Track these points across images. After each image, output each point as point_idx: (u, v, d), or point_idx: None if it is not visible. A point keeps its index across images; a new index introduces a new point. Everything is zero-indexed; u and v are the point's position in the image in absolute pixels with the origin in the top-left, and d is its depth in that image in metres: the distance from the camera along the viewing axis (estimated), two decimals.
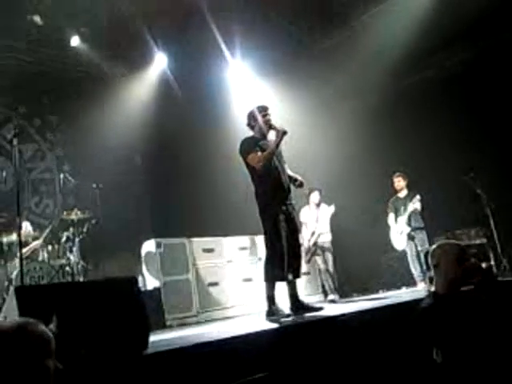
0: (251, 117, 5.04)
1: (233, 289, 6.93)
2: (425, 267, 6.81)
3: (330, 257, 7.32)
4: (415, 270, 7.32)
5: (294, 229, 4.87)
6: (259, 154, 4.77)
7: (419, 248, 7.25)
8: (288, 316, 4.62)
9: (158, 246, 6.47)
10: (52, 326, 2.82)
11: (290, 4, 8.08)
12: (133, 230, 7.92)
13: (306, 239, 7.24)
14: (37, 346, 1.60)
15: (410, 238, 7.40)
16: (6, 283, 5.94)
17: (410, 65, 8.53)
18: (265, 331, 3.82)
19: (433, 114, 8.32)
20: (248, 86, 9.52)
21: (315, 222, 7.39)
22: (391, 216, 7.68)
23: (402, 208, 7.53)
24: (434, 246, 3.22)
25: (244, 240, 7.37)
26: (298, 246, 4.93)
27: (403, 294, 6.47)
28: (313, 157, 9.08)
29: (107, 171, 8.06)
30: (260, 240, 7.40)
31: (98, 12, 7.73)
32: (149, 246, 6.59)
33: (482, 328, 2.88)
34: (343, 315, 4.22)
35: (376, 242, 8.35)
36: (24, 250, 5.97)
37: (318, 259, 7.38)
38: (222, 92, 9.50)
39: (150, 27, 8.19)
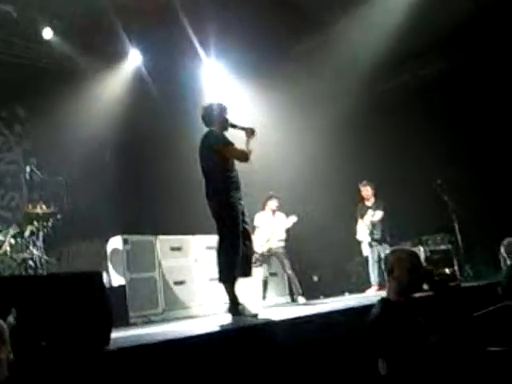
0: (211, 112, 4.91)
1: (199, 288, 6.91)
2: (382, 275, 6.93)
3: (285, 261, 7.29)
4: (372, 275, 7.48)
5: (248, 228, 4.88)
6: (238, 148, 4.64)
7: (382, 255, 7.29)
8: (255, 316, 4.58)
9: (125, 242, 6.41)
10: (11, 317, 2.78)
11: (267, 6, 8.12)
12: (99, 226, 7.81)
13: (257, 244, 7.03)
14: None
15: (371, 246, 7.60)
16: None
17: (384, 71, 8.69)
18: (229, 330, 3.83)
19: (405, 121, 8.50)
20: (222, 86, 9.53)
21: (271, 228, 7.35)
22: (360, 222, 7.80)
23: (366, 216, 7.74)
24: (387, 252, 3.24)
25: (211, 239, 7.33)
26: (251, 246, 4.94)
27: (362, 299, 6.53)
28: (285, 160, 9.14)
29: (76, 166, 7.96)
30: None
31: (71, 4, 7.62)
32: (115, 242, 6.52)
33: (433, 337, 2.82)
34: (297, 319, 4.23)
35: (345, 245, 8.46)
36: None
37: (265, 266, 7.36)
38: (195, 90, 9.47)
39: (124, 23, 8.11)
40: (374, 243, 7.57)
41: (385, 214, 7.69)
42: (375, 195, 7.87)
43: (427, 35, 7.70)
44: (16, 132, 8.92)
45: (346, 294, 7.97)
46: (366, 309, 3.47)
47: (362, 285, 8.00)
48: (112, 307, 3.73)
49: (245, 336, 3.73)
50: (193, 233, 7.25)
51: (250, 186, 8.44)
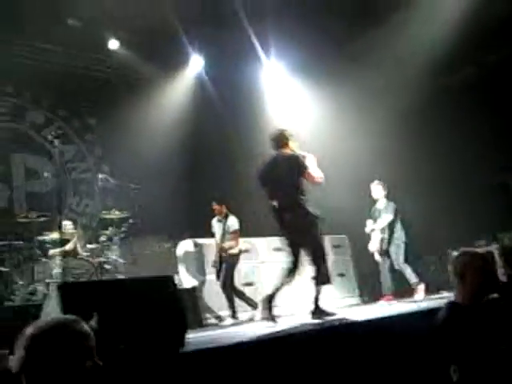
0: (283, 138, 5.21)
1: (268, 290, 6.90)
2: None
3: (228, 273, 6.42)
4: (385, 284, 6.81)
5: None
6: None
7: (395, 265, 6.72)
8: (333, 315, 4.70)
9: (195, 245, 6.54)
10: (93, 322, 2.89)
11: (326, 2, 8.02)
12: (169, 230, 8.02)
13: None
14: (77, 345, 1.61)
15: (381, 254, 6.86)
16: (48, 280, 6.11)
17: (445, 64, 8.34)
18: (305, 333, 3.80)
19: (467, 117, 8.11)
20: (282, 86, 9.53)
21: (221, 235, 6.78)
22: (368, 223, 7.04)
23: (378, 219, 6.92)
24: (455, 255, 3.10)
25: (277, 241, 7.34)
26: None
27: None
28: (344, 156, 8.99)
29: (145, 171, 8.21)
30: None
31: (135, 15, 7.86)
32: (185, 245, 6.67)
33: (506, 342, 2.70)
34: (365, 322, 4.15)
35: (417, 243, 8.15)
36: (66, 248, 6.14)
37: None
38: (256, 92, 9.54)
39: (186, 29, 8.29)
40: (383, 251, 6.78)
41: (397, 218, 6.87)
42: (387, 197, 7.03)
43: (491, 25, 7.32)
44: (88, 140, 9.38)
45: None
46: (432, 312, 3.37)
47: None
48: (186, 310, 3.82)
49: (326, 336, 3.70)
50: (259, 235, 7.28)
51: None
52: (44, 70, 8.44)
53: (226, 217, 6.62)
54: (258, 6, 7.75)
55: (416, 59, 8.19)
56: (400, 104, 8.88)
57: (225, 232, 6.51)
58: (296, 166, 4.99)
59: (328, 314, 4.73)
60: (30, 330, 1.61)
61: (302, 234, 4.95)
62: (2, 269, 6.19)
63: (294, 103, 9.53)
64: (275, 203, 5.06)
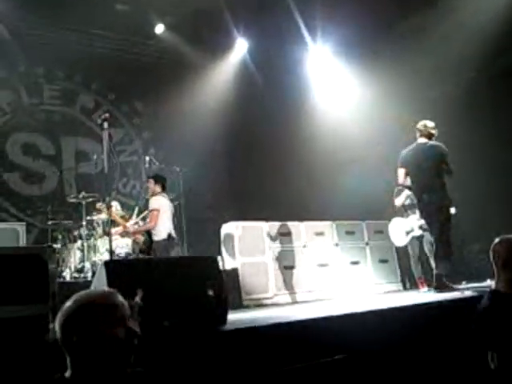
0: (430, 129, 5.95)
1: (308, 273, 6.96)
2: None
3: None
4: (416, 272, 6.45)
5: None
6: None
7: (427, 251, 6.34)
8: (455, 290, 5.22)
9: (237, 228, 6.62)
10: (137, 298, 3.00)
11: None
12: (213, 212, 8.16)
13: None
14: (107, 314, 1.73)
15: (417, 239, 6.46)
16: (95, 258, 6.36)
17: (505, 43, 7.97)
18: (346, 315, 3.82)
19: None
20: (328, 70, 9.43)
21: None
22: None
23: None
24: (496, 242, 3.03)
25: (319, 225, 7.36)
26: None
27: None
28: (391, 142, 8.84)
29: (190, 154, 8.34)
30: (335, 226, 7.38)
31: None
32: (228, 227, 6.76)
33: None
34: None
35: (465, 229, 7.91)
36: (114, 228, 6.34)
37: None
38: (301, 76, 9.48)
39: (231, 12, 8.30)
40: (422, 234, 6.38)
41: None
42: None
43: None
44: (135, 124, 9.64)
45: (464, 282, 7.53)
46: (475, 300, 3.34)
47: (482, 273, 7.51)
48: (228, 289, 3.91)
49: (366, 320, 3.71)
50: (301, 219, 7.30)
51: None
52: (93, 55, 8.68)
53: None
54: None
55: (465, 44, 7.90)
56: (449, 88, 8.62)
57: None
58: (439, 154, 5.65)
59: (452, 289, 5.24)
60: (66, 303, 1.75)
61: (435, 213, 5.55)
62: (54, 245, 6.48)
63: (339, 87, 9.42)
64: (415, 184, 5.77)
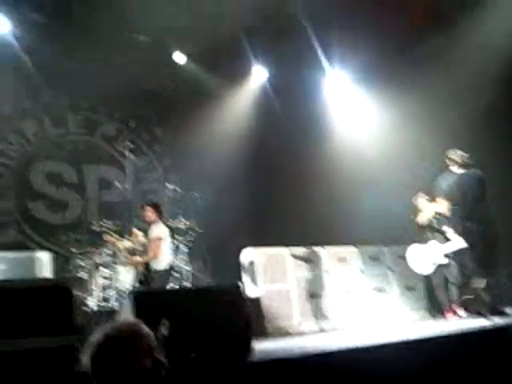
0: (464, 159, 6.21)
1: (333, 301, 6.86)
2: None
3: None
4: (443, 300, 6.41)
5: None
6: None
7: (451, 279, 6.31)
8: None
9: (258, 254, 6.58)
10: (162, 328, 2.98)
11: (391, 5, 7.87)
12: (234, 238, 8.14)
13: None
14: (134, 345, 1.73)
15: (443, 267, 6.39)
16: (119, 287, 6.36)
17: None
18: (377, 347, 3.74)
19: None
20: (346, 95, 9.47)
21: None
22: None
23: (441, 227, 6.45)
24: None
25: (344, 251, 7.28)
26: None
27: None
28: (409, 165, 8.77)
29: (211, 181, 8.40)
30: (359, 251, 7.29)
31: (199, 29, 8.09)
32: (249, 254, 6.72)
33: None
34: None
35: None
36: (136, 256, 6.36)
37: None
38: (319, 101, 9.54)
39: (249, 40, 8.42)
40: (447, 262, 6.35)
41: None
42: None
43: None
44: (156, 152, 9.77)
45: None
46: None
47: None
48: (251, 318, 3.87)
49: (389, 351, 3.63)
50: (323, 243, 7.24)
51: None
52: (116, 85, 8.83)
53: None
54: (321, 15, 7.75)
55: (484, 65, 7.85)
56: (467, 110, 8.55)
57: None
58: (481, 181, 5.98)
59: (504, 314, 5.41)
60: (94, 335, 1.77)
61: (480, 240, 5.74)
62: (78, 275, 6.52)
63: (358, 111, 9.44)
64: (459, 213, 5.98)
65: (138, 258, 6.38)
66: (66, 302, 3.06)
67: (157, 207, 6.49)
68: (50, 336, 2.91)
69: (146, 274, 6.25)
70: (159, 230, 6.34)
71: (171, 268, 6.40)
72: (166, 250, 6.33)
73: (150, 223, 6.40)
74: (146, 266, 6.29)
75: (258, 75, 9.49)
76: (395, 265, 7.48)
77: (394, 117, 8.63)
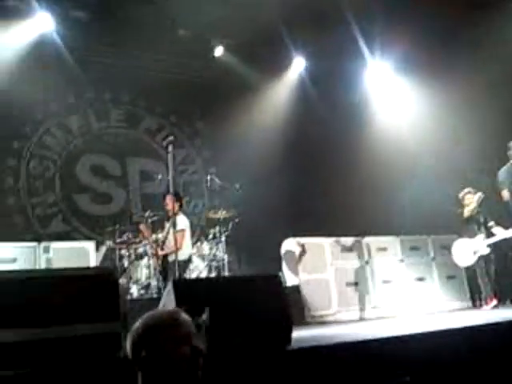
0: None
1: (372, 290, 6.84)
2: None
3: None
4: (486, 289, 6.48)
5: None
6: None
7: (493, 269, 6.44)
8: None
9: (298, 244, 6.63)
10: (204, 317, 3.06)
11: None
12: (273, 228, 8.20)
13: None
14: (172, 332, 1.79)
15: (484, 257, 6.50)
16: (159, 277, 6.52)
17: None
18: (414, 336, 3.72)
19: None
20: (387, 85, 9.34)
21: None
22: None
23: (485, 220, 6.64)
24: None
25: (384, 241, 7.24)
26: None
27: None
28: (456, 156, 8.59)
29: (250, 171, 8.47)
30: (400, 241, 7.22)
31: (238, 21, 8.12)
32: (289, 244, 6.79)
33: None
34: None
35: None
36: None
37: None
38: (359, 92, 9.46)
39: (289, 31, 8.40)
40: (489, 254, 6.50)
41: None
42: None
43: None
44: (196, 144, 9.94)
45: None
46: None
47: None
48: (291, 307, 3.91)
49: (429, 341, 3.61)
50: (364, 233, 7.21)
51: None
52: (156, 79, 9.03)
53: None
54: (362, 4, 7.65)
55: None
56: (508, 100, 8.28)
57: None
58: None
59: None
60: (136, 323, 1.83)
61: None
62: (121, 264, 6.73)
63: (398, 101, 9.30)
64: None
65: (162, 251, 6.41)
66: (112, 289, 3.19)
67: (179, 197, 6.40)
68: (98, 322, 3.04)
69: (166, 266, 6.27)
70: (183, 222, 6.36)
71: (190, 259, 6.46)
72: (187, 242, 6.40)
73: (171, 213, 6.21)
74: (164, 257, 6.32)
75: (298, 66, 9.48)
76: (437, 254, 7.39)
77: (434, 106, 8.47)
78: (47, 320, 2.89)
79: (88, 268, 5.24)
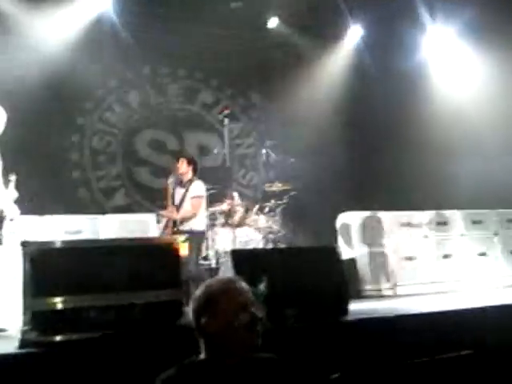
0: None
1: (430, 265, 6.71)
2: None
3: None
4: None
5: None
6: None
7: None
8: None
9: (354, 217, 6.57)
10: (262, 286, 3.12)
11: None
12: (329, 201, 8.17)
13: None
14: (230, 300, 1.83)
15: None
16: (217, 247, 6.67)
17: None
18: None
19: None
20: (448, 52, 8.94)
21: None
22: None
23: None
24: None
25: (444, 214, 7.04)
26: None
27: None
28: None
29: (306, 144, 8.43)
30: (461, 215, 7.02)
31: None
32: (345, 217, 6.74)
33: None
34: None
35: None
36: (234, 218, 6.62)
37: None
38: (418, 60, 9.12)
39: None
40: None
41: None
42: None
43: None
44: (252, 117, 9.96)
45: None
46: None
47: None
48: (348, 280, 3.92)
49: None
50: (422, 207, 7.05)
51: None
52: (211, 53, 9.11)
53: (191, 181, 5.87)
54: None
55: None
56: None
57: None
58: None
59: None
60: (197, 290, 1.91)
61: None
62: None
63: (461, 69, 8.90)
64: None
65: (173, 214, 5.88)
66: (174, 258, 3.30)
67: (193, 162, 6.03)
68: (162, 289, 3.17)
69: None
70: (200, 188, 5.92)
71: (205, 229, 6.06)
72: (203, 211, 5.96)
73: (185, 178, 5.96)
74: (174, 224, 5.84)
75: (354, 34, 9.26)
76: (500, 228, 7.14)
77: (503, 73, 8.05)
78: (115, 286, 3.03)
79: (153, 238, 5.43)
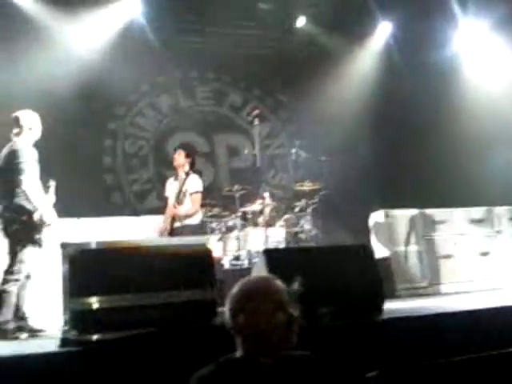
0: None
1: (467, 263, 6.57)
2: None
3: None
4: None
5: None
6: None
7: None
8: None
9: (387, 216, 6.50)
10: (296, 285, 3.11)
11: None
12: (360, 200, 8.11)
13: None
14: (266, 299, 1.84)
15: None
16: (250, 247, 6.69)
17: None
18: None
19: None
20: (481, 46, 8.75)
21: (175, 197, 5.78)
22: None
23: None
24: None
25: (478, 212, 6.90)
26: None
27: None
28: None
29: (335, 143, 8.38)
30: (498, 211, 6.86)
31: None
32: (378, 216, 6.67)
33: None
34: None
35: None
36: (265, 218, 6.63)
37: None
38: (449, 55, 8.95)
39: None
40: None
41: None
42: None
43: None
44: (281, 117, 9.98)
45: None
46: None
47: None
48: (382, 279, 3.88)
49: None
50: (455, 205, 6.92)
51: None
52: (238, 54, 9.16)
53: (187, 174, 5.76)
54: None
55: None
56: None
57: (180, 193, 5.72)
58: None
59: None
60: (233, 289, 1.91)
61: None
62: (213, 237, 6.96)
63: (493, 63, 8.70)
64: None
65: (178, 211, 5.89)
66: (207, 259, 3.34)
67: (191, 154, 5.98)
68: (196, 289, 3.21)
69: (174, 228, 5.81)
70: (199, 183, 5.94)
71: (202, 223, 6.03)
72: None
73: (181, 170, 5.94)
74: (172, 219, 5.85)
75: (383, 31, 9.15)
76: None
77: None
78: (151, 286, 3.09)
79: (185, 239, 5.46)
